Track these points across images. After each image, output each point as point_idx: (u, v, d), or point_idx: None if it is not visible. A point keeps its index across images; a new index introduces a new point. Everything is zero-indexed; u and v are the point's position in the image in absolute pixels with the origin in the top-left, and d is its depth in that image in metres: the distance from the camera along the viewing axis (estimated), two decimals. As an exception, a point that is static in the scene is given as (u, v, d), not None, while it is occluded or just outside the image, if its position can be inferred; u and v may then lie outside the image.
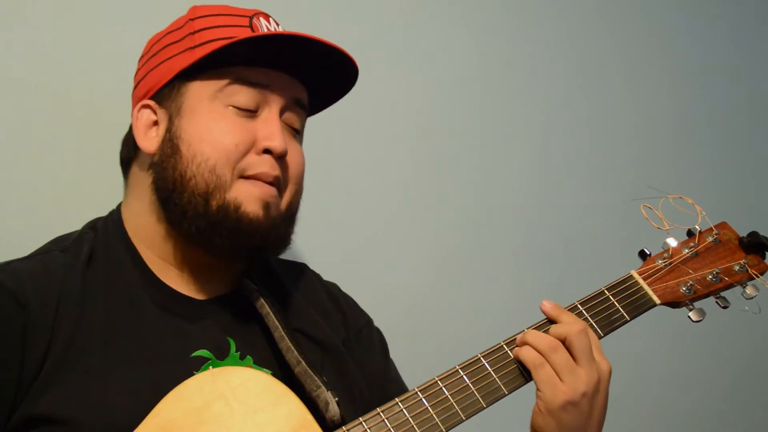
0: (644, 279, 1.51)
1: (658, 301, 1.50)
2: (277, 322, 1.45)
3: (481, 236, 2.40)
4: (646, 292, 1.50)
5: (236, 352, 1.42)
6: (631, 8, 2.76)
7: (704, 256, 1.55)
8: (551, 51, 2.59)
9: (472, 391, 1.35)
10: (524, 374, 1.38)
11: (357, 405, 1.46)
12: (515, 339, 1.41)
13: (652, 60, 2.77)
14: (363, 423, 1.30)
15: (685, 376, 2.70)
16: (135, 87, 1.52)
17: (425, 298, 2.29)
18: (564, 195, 2.54)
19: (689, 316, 1.51)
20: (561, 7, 2.62)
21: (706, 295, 1.53)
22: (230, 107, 1.43)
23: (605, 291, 1.48)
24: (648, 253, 1.55)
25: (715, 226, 1.58)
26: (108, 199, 1.56)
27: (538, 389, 1.35)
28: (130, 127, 1.52)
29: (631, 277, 1.52)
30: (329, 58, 1.47)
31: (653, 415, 2.63)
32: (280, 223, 1.46)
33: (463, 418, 1.34)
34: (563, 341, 1.36)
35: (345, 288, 1.73)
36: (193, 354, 1.38)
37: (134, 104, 1.50)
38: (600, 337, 1.43)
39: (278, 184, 1.45)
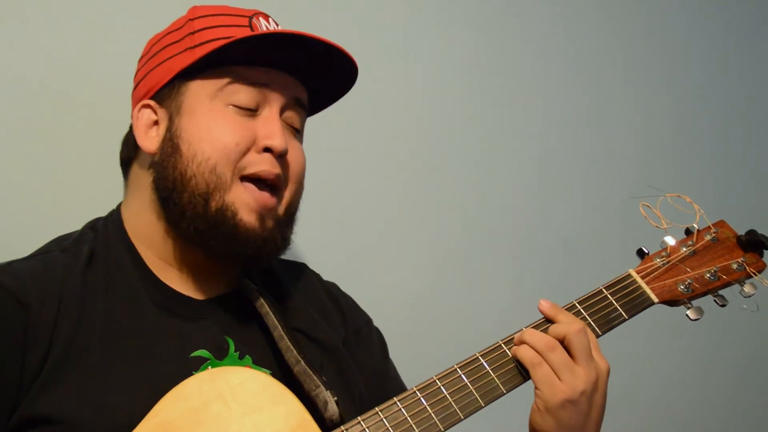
0: (642, 278, 1.51)
1: (656, 300, 1.50)
2: (276, 322, 1.45)
3: (481, 236, 2.40)
4: (644, 291, 1.50)
5: (235, 351, 1.42)
6: (631, 8, 2.75)
7: (702, 254, 1.55)
8: (551, 51, 2.59)
9: (471, 390, 1.35)
10: (522, 373, 1.38)
11: (356, 404, 1.46)
12: (513, 338, 1.41)
13: (652, 60, 2.77)
14: (361, 422, 1.30)
15: (685, 376, 2.70)
16: (135, 87, 1.53)
17: (425, 298, 2.29)
18: (564, 195, 2.55)
19: (687, 315, 1.51)
20: (561, 8, 2.62)
21: (704, 294, 1.53)
22: (230, 106, 1.43)
23: (603, 290, 1.48)
24: (646, 251, 1.55)
25: (713, 225, 1.58)
26: (108, 199, 1.56)
27: (536, 388, 1.35)
28: (130, 127, 1.52)
29: (629, 275, 1.52)
30: (329, 58, 1.47)
31: (652, 414, 2.63)
32: (277, 233, 1.46)
33: (462, 417, 1.34)
34: (562, 340, 1.36)
35: (345, 288, 1.73)
36: (193, 354, 1.38)
37: (134, 104, 1.51)
38: (598, 336, 1.43)
39: (279, 182, 1.45)
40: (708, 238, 1.57)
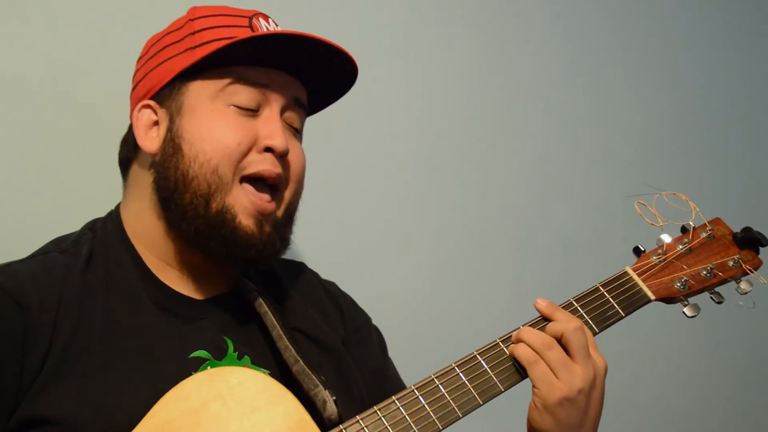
0: (639, 275, 1.51)
1: (652, 297, 1.50)
2: (275, 321, 1.45)
3: (481, 236, 2.40)
4: (640, 288, 1.50)
5: (234, 352, 1.42)
6: (631, 8, 2.76)
7: (698, 252, 1.55)
8: (551, 51, 2.59)
9: (469, 389, 1.35)
10: (520, 371, 1.38)
11: (355, 403, 1.46)
12: (511, 336, 1.41)
13: (652, 60, 2.77)
14: (360, 421, 1.31)
15: (684, 375, 2.70)
16: (134, 88, 1.53)
17: (425, 297, 2.29)
18: (564, 195, 2.55)
19: (684, 312, 1.51)
20: (561, 8, 2.62)
21: (701, 291, 1.53)
22: (231, 107, 1.43)
23: (600, 287, 1.49)
24: (642, 249, 1.55)
25: (708, 222, 1.58)
26: (108, 199, 1.56)
27: (534, 386, 1.35)
28: (129, 128, 1.52)
29: (625, 273, 1.52)
30: (329, 58, 1.48)
31: (651, 414, 2.63)
32: (276, 236, 1.46)
33: (460, 416, 1.34)
34: (559, 338, 1.36)
35: (345, 288, 1.73)
36: (192, 355, 1.38)
37: (133, 105, 1.51)
38: (595, 334, 1.43)
39: (280, 182, 1.46)
40: (704, 235, 1.57)
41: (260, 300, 1.48)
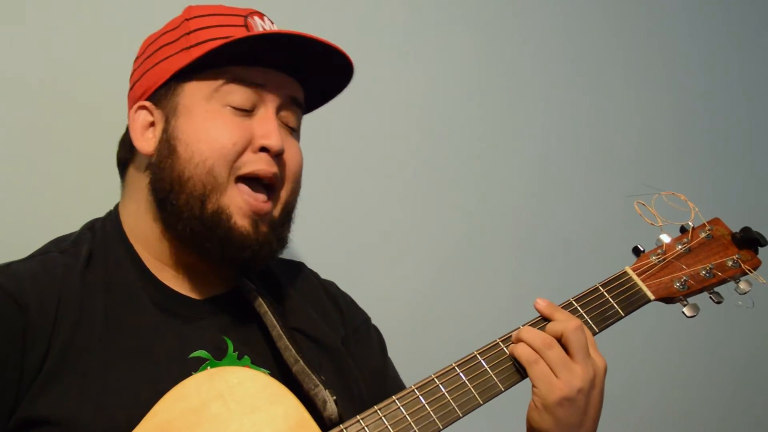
0: (638, 275, 1.52)
1: (652, 297, 1.50)
2: (274, 321, 1.45)
3: (481, 236, 2.40)
4: (640, 288, 1.50)
5: (234, 352, 1.42)
6: (631, 8, 2.76)
7: (697, 252, 1.56)
8: (551, 51, 2.59)
9: (469, 388, 1.36)
10: (520, 371, 1.38)
11: (355, 403, 1.46)
12: (511, 336, 1.41)
13: (652, 60, 2.77)
14: (360, 421, 1.31)
15: (684, 376, 2.70)
16: (131, 88, 1.52)
17: (425, 297, 2.30)
18: (564, 195, 2.55)
19: (683, 312, 1.51)
20: (561, 7, 2.62)
21: (700, 291, 1.53)
22: (227, 107, 1.43)
23: (599, 287, 1.49)
24: (642, 249, 1.55)
25: (707, 222, 1.58)
26: (107, 199, 1.56)
27: (533, 386, 1.35)
28: (127, 128, 1.51)
29: (625, 273, 1.52)
30: (325, 57, 1.47)
31: (651, 414, 2.63)
32: (272, 236, 1.45)
33: (460, 415, 1.34)
34: (559, 338, 1.36)
35: (345, 288, 1.73)
36: (192, 355, 1.38)
37: (130, 105, 1.50)
38: (595, 334, 1.43)
39: (276, 181, 1.45)
40: (703, 235, 1.57)
41: (260, 300, 1.48)
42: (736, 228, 1.59)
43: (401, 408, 1.32)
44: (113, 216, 1.50)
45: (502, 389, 1.37)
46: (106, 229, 1.49)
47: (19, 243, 1.50)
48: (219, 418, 1.25)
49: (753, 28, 3.03)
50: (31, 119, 1.80)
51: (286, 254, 1.55)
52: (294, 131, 1.52)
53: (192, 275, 1.48)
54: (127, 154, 1.52)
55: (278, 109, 1.47)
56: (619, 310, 1.47)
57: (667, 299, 1.52)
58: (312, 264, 1.73)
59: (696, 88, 2.86)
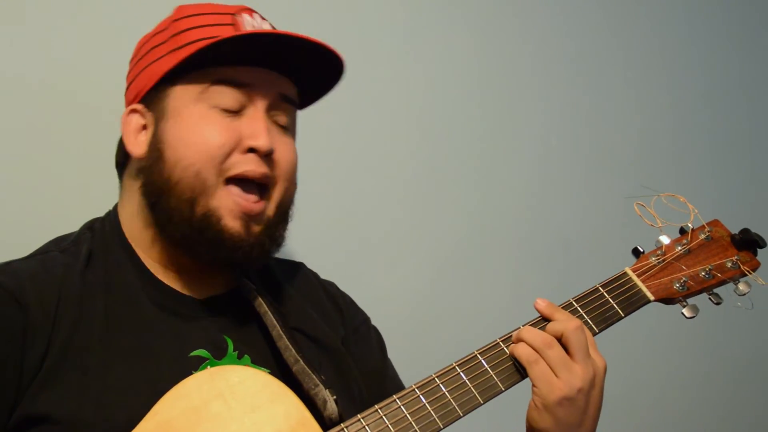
0: (638, 276, 1.52)
1: (652, 298, 1.50)
2: (275, 321, 1.45)
3: (481, 236, 2.40)
4: (640, 289, 1.50)
5: (234, 351, 1.42)
6: (631, 8, 2.76)
7: (697, 253, 1.56)
8: (551, 51, 2.59)
9: (469, 388, 1.36)
10: (520, 371, 1.38)
11: (355, 403, 1.46)
12: (511, 336, 1.41)
13: (652, 60, 2.78)
14: (361, 420, 1.30)
15: (684, 376, 2.70)
16: (126, 89, 1.52)
17: (425, 297, 2.30)
18: (564, 195, 2.55)
19: (683, 313, 1.51)
20: (561, 7, 2.62)
21: (700, 292, 1.54)
22: (215, 108, 1.42)
23: (599, 288, 1.49)
24: (641, 250, 1.55)
25: (707, 224, 1.59)
26: (107, 199, 1.56)
27: (533, 385, 1.35)
28: (124, 131, 1.52)
29: (625, 274, 1.52)
30: (313, 53, 1.45)
31: (650, 414, 2.63)
32: (265, 236, 1.45)
33: (461, 415, 1.34)
34: (560, 338, 1.36)
35: (344, 288, 1.73)
36: (192, 354, 1.38)
37: (126, 107, 1.50)
38: (595, 334, 1.43)
39: (267, 181, 1.44)
40: (702, 236, 1.57)
41: (260, 300, 1.48)
42: (735, 229, 1.59)
43: (402, 407, 1.32)
44: (112, 216, 1.50)
45: (503, 389, 1.37)
46: (105, 230, 1.49)
47: (19, 243, 1.50)
48: (220, 417, 1.25)
49: (753, 28, 3.03)
50: (31, 119, 1.80)
51: (285, 254, 1.55)
52: (287, 129, 1.50)
53: (191, 276, 1.47)
54: (123, 156, 1.51)
55: (268, 108, 1.46)
56: (619, 310, 1.48)
57: (667, 300, 1.52)
58: (312, 264, 1.73)
59: (696, 88, 2.86)
